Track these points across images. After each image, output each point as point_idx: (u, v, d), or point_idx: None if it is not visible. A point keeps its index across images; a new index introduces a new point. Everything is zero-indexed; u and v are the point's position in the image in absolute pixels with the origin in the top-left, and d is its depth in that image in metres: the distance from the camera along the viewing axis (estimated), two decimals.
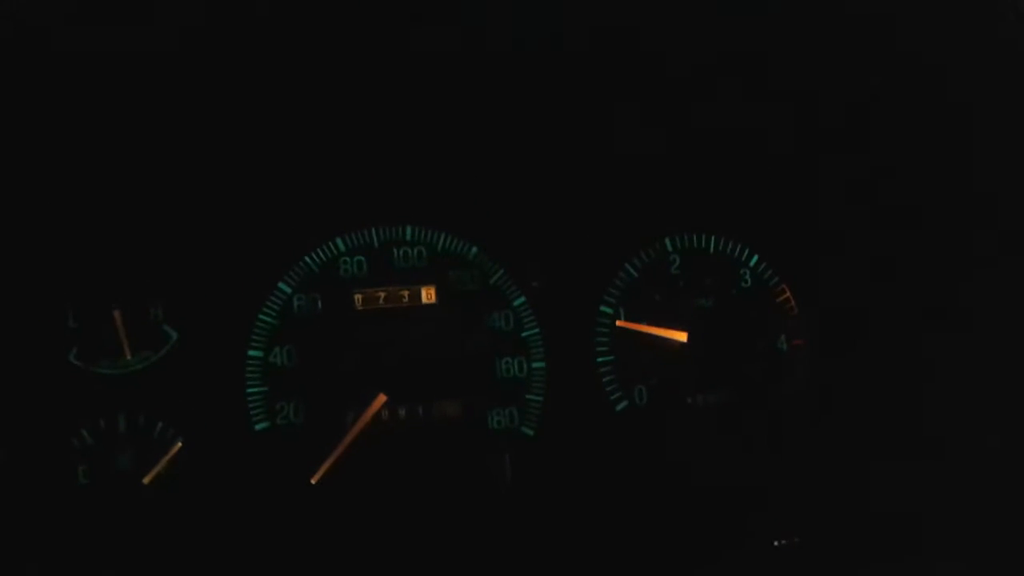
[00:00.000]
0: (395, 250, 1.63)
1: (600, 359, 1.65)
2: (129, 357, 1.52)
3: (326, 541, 1.51)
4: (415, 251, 1.63)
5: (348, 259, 1.61)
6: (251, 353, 1.55)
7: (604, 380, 1.64)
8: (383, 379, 1.55)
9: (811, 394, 1.69)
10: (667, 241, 1.70)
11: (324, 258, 1.60)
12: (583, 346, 1.65)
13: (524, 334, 1.64)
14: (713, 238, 1.72)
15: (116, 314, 1.52)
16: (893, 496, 1.56)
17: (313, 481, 1.50)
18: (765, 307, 1.71)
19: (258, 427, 1.54)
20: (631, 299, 1.68)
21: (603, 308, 1.67)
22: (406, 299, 1.61)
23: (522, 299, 1.64)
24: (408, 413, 1.58)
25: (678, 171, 1.70)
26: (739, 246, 1.72)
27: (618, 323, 1.66)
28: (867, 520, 1.55)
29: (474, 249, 1.64)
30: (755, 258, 1.72)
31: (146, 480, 1.48)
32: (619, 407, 1.64)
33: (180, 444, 1.50)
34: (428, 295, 1.62)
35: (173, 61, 1.39)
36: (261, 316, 1.56)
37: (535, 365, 1.63)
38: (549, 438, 1.61)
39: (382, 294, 1.60)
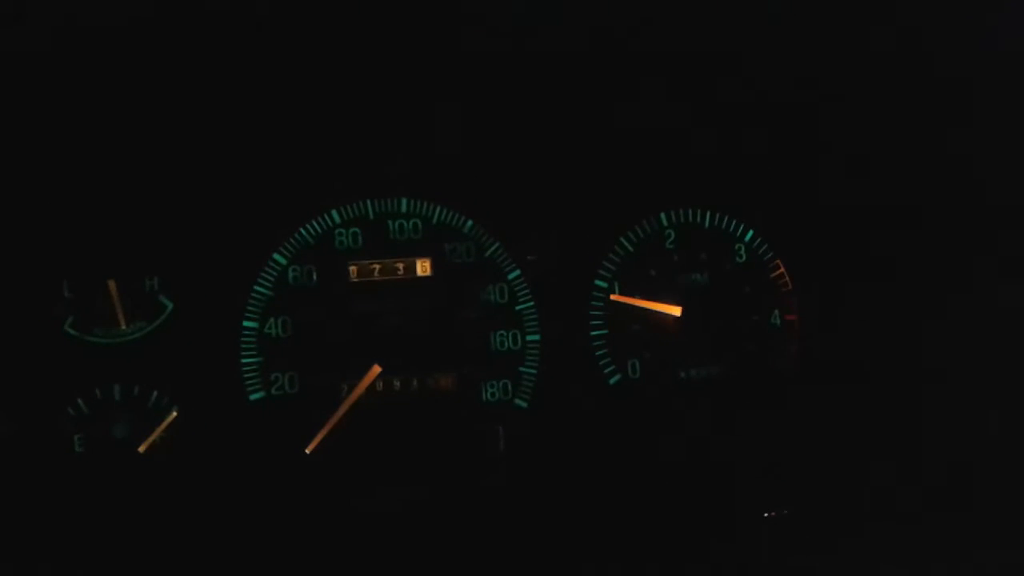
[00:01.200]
0: (390, 222, 1.63)
1: (594, 332, 1.65)
2: (124, 327, 1.52)
3: (320, 510, 1.51)
4: (410, 223, 1.63)
5: (343, 231, 1.61)
6: (246, 324, 1.55)
7: (598, 353, 1.65)
8: (378, 350, 1.56)
9: (804, 369, 1.70)
10: (662, 216, 1.71)
11: (319, 230, 1.60)
12: (577, 319, 1.65)
13: (519, 307, 1.64)
14: (708, 213, 1.72)
15: (111, 284, 1.52)
16: (884, 470, 1.57)
17: (307, 451, 1.51)
18: (759, 282, 1.72)
19: (253, 397, 1.54)
20: (626, 273, 1.68)
21: (598, 282, 1.67)
22: (401, 271, 1.61)
23: (517, 272, 1.65)
24: (402, 384, 1.58)
25: (674, 146, 1.70)
26: (734, 221, 1.72)
27: (612, 297, 1.67)
28: (857, 493, 1.56)
29: (469, 222, 1.64)
30: (750, 233, 1.72)
31: (141, 449, 1.49)
32: (612, 380, 1.65)
33: (175, 413, 1.51)
34: (423, 267, 1.62)
35: (166, 34, 1.38)
36: (256, 287, 1.57)
37: (529, 338, 1.63)
38: (542, 411, 1.61)
39: (377, 266, 1.61)
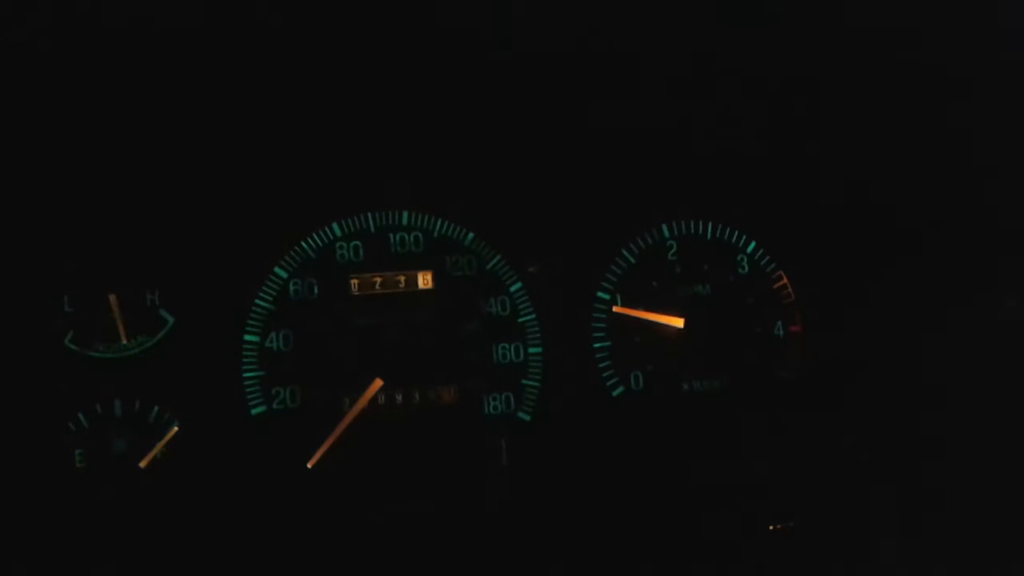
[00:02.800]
0: (391, 235, 1.63)
1: (597, 344, 1.65)
2: (125, 341, 1.52)
3: (322, 525, 1.51)
4: (411, 236, 1.63)
5: (344, 244, 1.61)
6: (247, 338, 1.55)
7: (600, 366, 1.64)
8: (379, 364, 1.55)
9: (807, 380, 1.69)
10: (664, 227, 1.70)
11: (320, 243, 1.60)
12: (580, 331, 1.65)
13: (521, 319, 1.64)
14: (710, 224, 1.72)
15: (112, 298, 1.52)
16: (889, 482, 1.56)
17: (309, 465, 1.50)
18: (762, 293, 1.71)
19: (254, 411, 1.54)
20: (628, 285, 1.68)
21: (600, 294, 1.67)
22: (402, 284, 1.61)
23: (519, 284, 1.64)
24: (404, 398, 1.58)
25: (676, 157, 1.70)
26: (736, 232, 1.72)
27: (615, 309, 1.66)
28: (862, 505, 1.55)
29: (471, 234, 1.64)
30: (752, 244, 1.72)
31: (143, 464, 1.48)
32: (615, 392, 1.64)
33: (176, 428, 1.50)
34: (425, 280, 1.62)
35: (167, 46, 1.39)
36: (257, 301, 1.56)
37: (532, 350, 1.63)
38: (545, 423, 1.61)
39: (378, 279, 1.60)
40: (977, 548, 1.44)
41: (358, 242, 1.61)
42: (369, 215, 1.62)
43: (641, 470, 1.60)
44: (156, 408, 1.51)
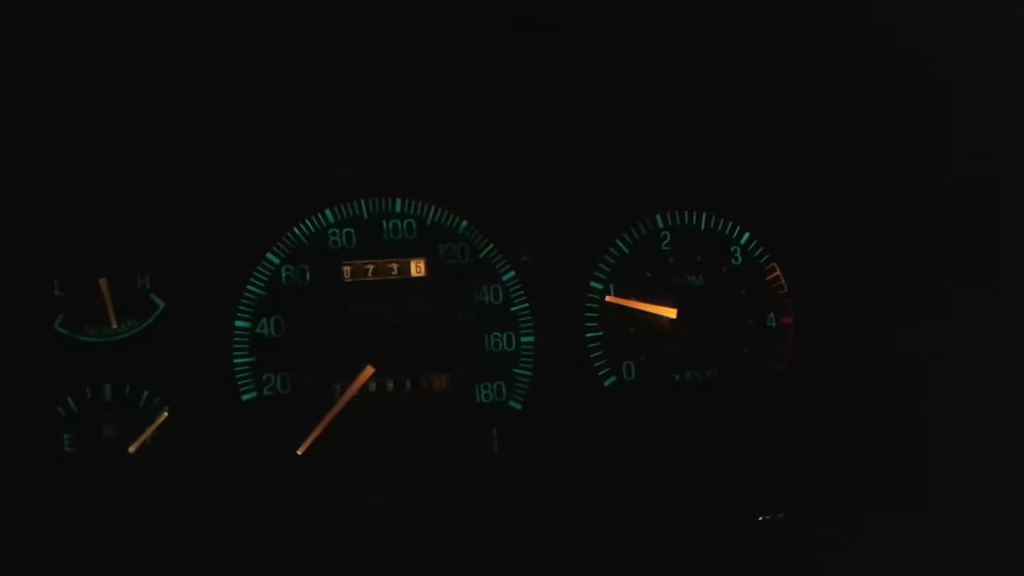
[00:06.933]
0: (384, 222, 1.62)
1: (589, 334, 1.65)
2: (115, 326, 1.51)
3: (312, 512, 1.50)
4: (405, 224, 1.63)
5: (337, 231, 1.60)
6: (238, 323, 1.54)
7: (592, 355, 1.64)
8: (371, 351, 1.55)
9: (799, 372, 1.69)
10: (658, 218, 1.70)
11: (313, 229, 1.59)
12: (572, 321, 1.65)
13: (513, 308, 1.63)
14: (704, 215, 1.71)
15: (102, 282, 1.51)
16: (879, 473, 1.56)
17: (299, 452, 1.50)
18: (755, 285, 1.71)
19: (245, 397, 1.53)
20: (621, 275, 1.68)
21: (593, 283, 1.66)
22: (395, 272, 1.61)
23: (511, 273, 1.64)
24: (395, 385, 1.57)
25: (671, 148, 1.70)
26: (730, 224, 1.72)
27: (608, 298, 1.66)
28: (853, 496, 1.55)
29: (464, 222, 1.64)
30: (746, 236, 1.72)
31: (132, 449, 1.47)
32: (607, 382, 1.64)
33: (166, 413, 1.50)
34: (417, 268, 1.61)
35: (157, 31, 1.37)
36: (249, 287, 1.55)
37: (524, 339, 1.63)
38: (537, 412, 1.61)
39: (371, 266, 1.60)
40: (970, 540, 1.44)
41: (351, 229, 1.61)
42: (362, 202, 1.61)
43: (632, 460, 1.61)
44: (146, 393, 1.50)
